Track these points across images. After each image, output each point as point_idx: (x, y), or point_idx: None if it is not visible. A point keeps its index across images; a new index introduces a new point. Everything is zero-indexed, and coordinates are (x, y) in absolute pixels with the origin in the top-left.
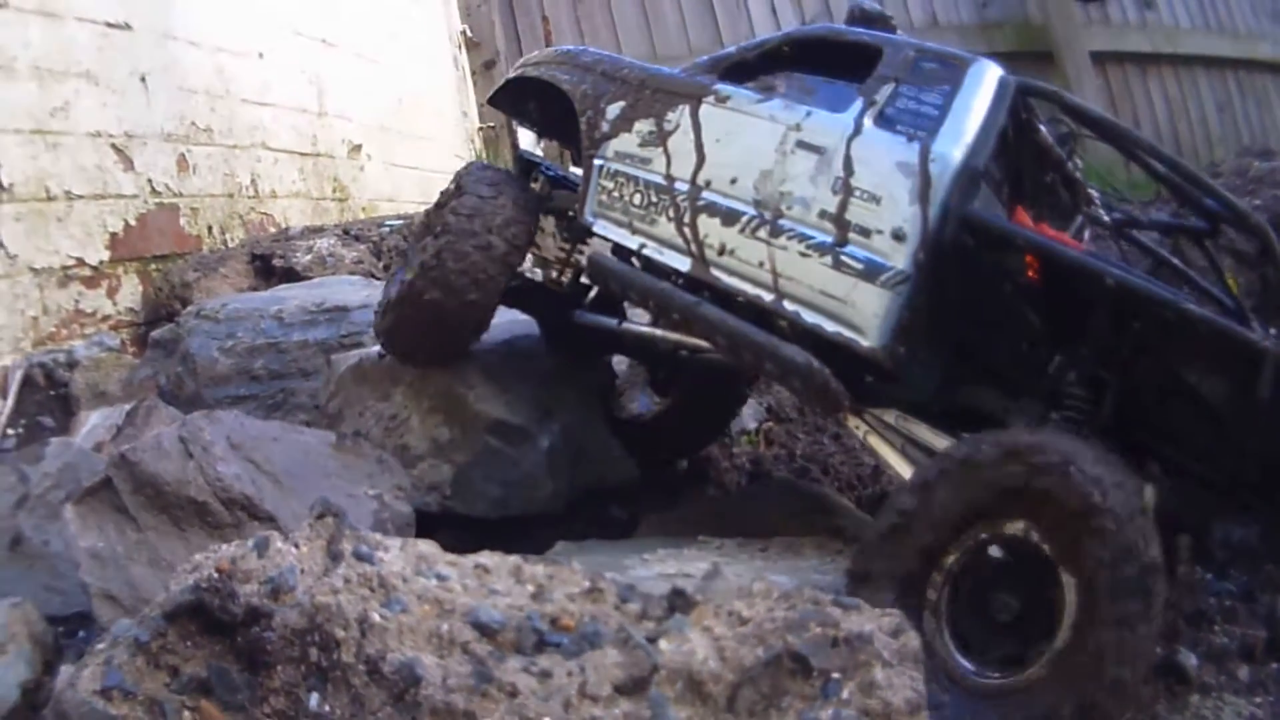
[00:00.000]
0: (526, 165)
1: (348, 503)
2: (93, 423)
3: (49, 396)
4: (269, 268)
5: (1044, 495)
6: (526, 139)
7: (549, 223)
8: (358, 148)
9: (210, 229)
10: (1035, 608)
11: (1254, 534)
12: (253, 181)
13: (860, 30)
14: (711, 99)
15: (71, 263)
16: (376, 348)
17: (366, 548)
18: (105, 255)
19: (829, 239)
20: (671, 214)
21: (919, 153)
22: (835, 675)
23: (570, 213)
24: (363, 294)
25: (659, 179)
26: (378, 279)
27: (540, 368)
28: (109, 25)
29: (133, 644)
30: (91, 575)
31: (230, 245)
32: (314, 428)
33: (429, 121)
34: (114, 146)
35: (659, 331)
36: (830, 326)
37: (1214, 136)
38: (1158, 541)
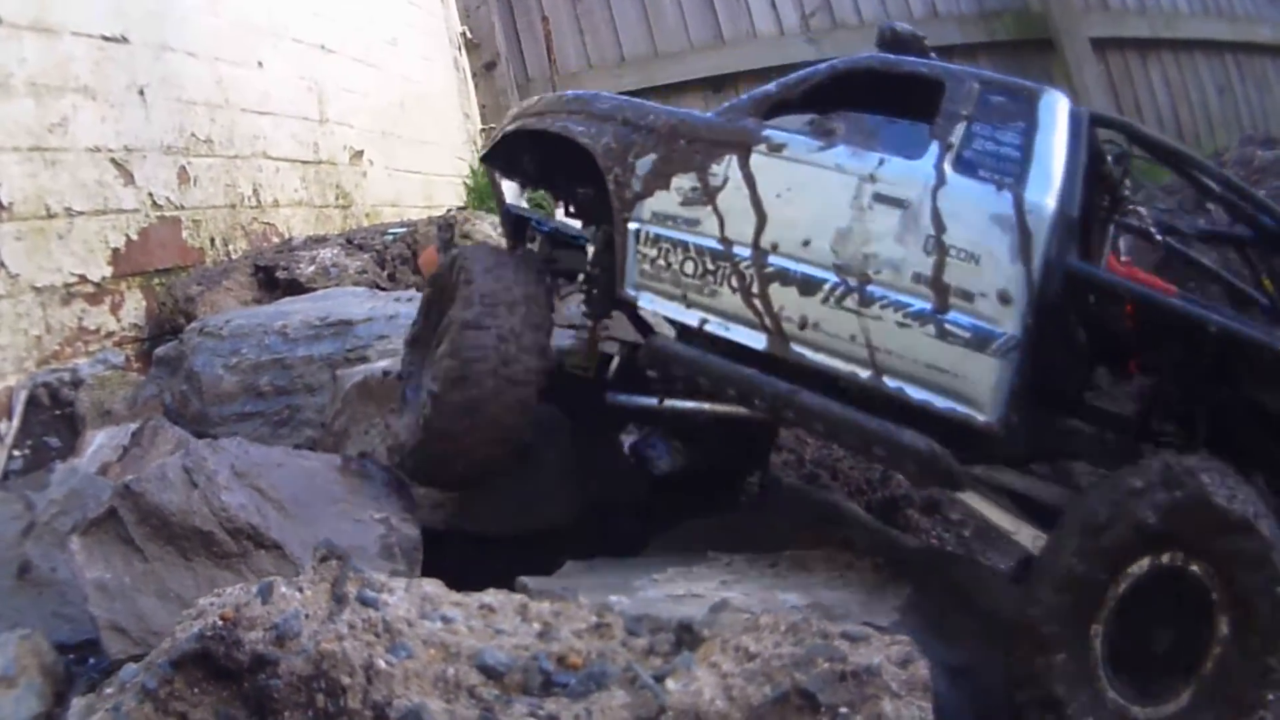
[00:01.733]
0: (517, 223)
1: (354, 528)
2: (98, 442)
3: (54, 416)
4: (272, 279)
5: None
6: (509, 190)
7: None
8: (359, 154)
9: (213, 241)
10: (1190, 640)
11: None
12: (254, 191)
13: (913, 60)
14: (763, 148)
15: (74, 280)
16: (381, 364)
17: (371, 591)
18: (108, 271)
19: (928, 306)
20: (735, 283)
21: (1013, 204)
22: (843, 710)
23: (580, 275)
24: (367, 306)
25: (713, 243)
26: (382, 289)
27: None
28: (105, 39)
29: (140, 691)
30: (99, 607)
31: (233, 257)
32: (320, 444)
33: (431, 125)
34: (113, 161)
35: (707, 405)
36: (941, 403)
37: (1215, 120)
38: None
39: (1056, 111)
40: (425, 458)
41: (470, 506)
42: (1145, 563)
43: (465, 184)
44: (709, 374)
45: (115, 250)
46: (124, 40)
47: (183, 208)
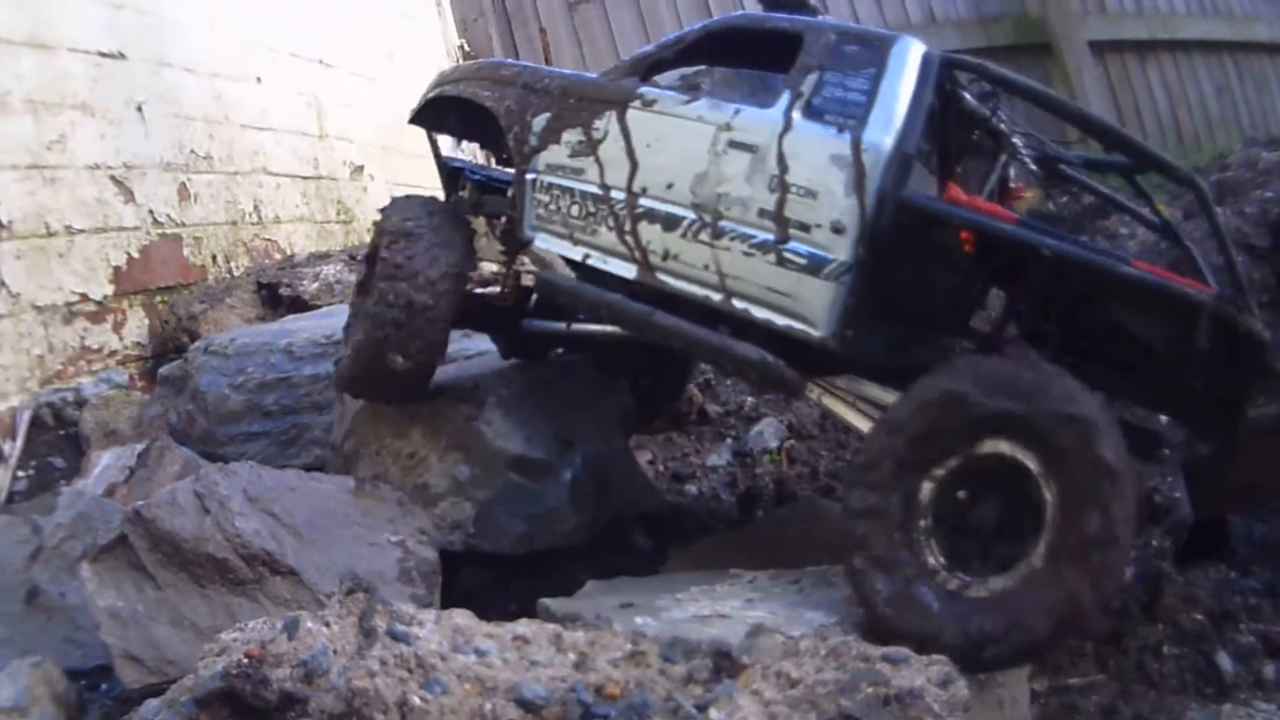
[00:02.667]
0: (451, 172)
1: (371, 552)
2: (104, 463)
3: (59, 436)
4: (276, 297)
5: (1016, 413)
6: (446, 144)
7: (480, 223)
8: (360, 169)
9: (214, 258)
10: (1017, 520)
11: (1276, 529)
12: (255, 208)
13: (778, 15)
14: (638, 103)
15: (75, 299)
16: None
17: (401, 625)
18: (109, 290)
19: (771, 237)
20: (611, 223)
21: (851, 144)
22: None
23: (504, 216)
24: None
25: (595, 189)
26: None
27: (558, 399)
28: (102, 55)
29: None
30: (112, 636)
31: (235, 274)
32: (329, 465)
33: None
34: (113, 178)
35: (609, 328)
36: (781, 321)
37: (1214, 121)
38: (1128, 459)
39: (907, 57)
40: (355, 374)
41: (486, 527)
42: (969, 448)
43: None
44: (585, 300)
45: (117, 268)
46: (121, 56)
47: (184, 225)
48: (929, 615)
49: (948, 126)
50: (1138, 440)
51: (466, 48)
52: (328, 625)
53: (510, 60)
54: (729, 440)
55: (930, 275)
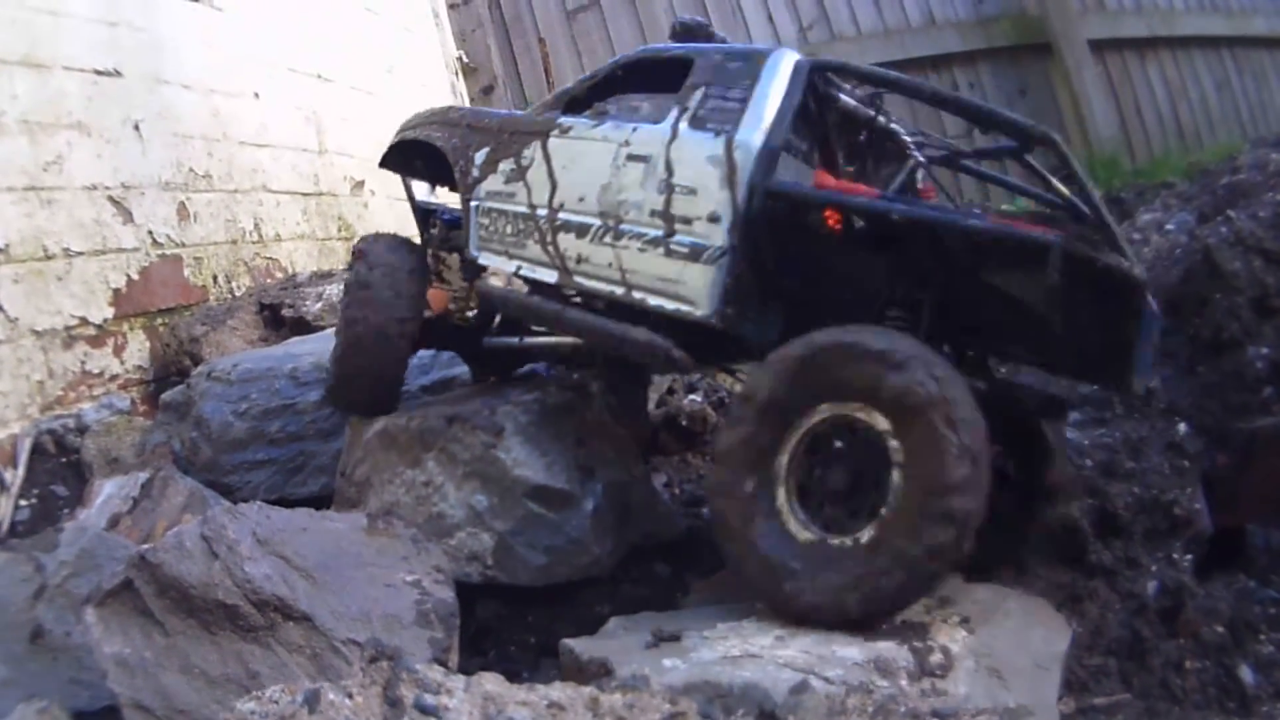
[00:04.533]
0: (424, 213)
1: (386, 594)
2: (107, 492)
3: (60, 464)
4: (278, 318)
5: (857, 375)
6: (422, 189)
7: (453, 259)
8: (360, 184)
9: (215, 278)
10: (867, 480)
11: None
12: (256, 226)
13: (675, 46)
14: (556, 131)
15: (75, 322)
16: (401, 408)
17: (429, 695)
18: (109, 313)
19: (660, 232)
20: (537, 236)
21: (724, 144)
22: None
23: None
24: None
25: (524, 208)
26: None
27: (577, 425)
28: (98, 73)
29: None
30: (120, 684)
31: (237, 294)
32: (337, 494)
33: None
34: (111, 199)
35: (553, 339)
36: (670, 305)
37: (1215, 117)
38: (982, 422)
39: (779, 66)
40: (334, 389)
41: (505, 559)
42: (818, 411)
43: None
44: (513, 304)
45: (116, 291)
46: (117, 74)
47: (184, 245)
48: (794, 575)
49: (828, 126)
50: (1038, 404)
51: (465, 59)
52: (350, 697)
53: (459, 106)
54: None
55: (809, 256)
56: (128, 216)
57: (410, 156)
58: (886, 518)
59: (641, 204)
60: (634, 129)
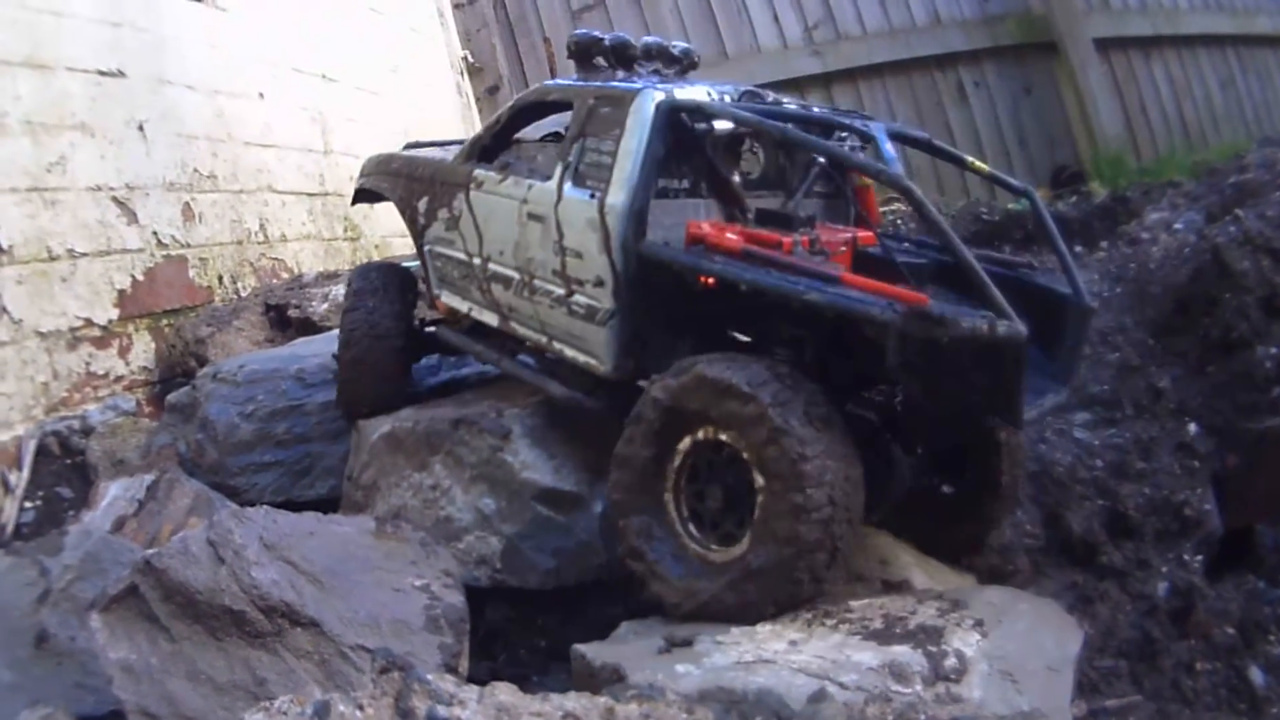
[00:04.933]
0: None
1: (395, 599)
2: (112, 494)
3: (65, 466)
4: (284, 318)
5: (712, 403)
6: None
7: None
8: None
9: (221, 279)
10: (743, 499)
11: None
12: (261, 226)
13: (558, 84)
14: (473, 184)
15: (79, 324)
16: (405, 411)
17: (442, 707)
18: (114, 314)
19: (562, 291)
20: (476, 283)
21: (598, 208)
22: None
23: None
24: None
25: (462, 256)
26: None
27: (586, 429)
28: (101, 74)
29: None
30: (125, 691)
31: (243, 295)
32: (344, 497)
33: None
34: (115, 199)
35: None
36: (581, 358)
37: (1219, 115)
38: (835, 447)
39: (641, 113)
40: (340, 398)
41: (513, 562)
42: (691, 438)
43: None
44: (466, 348)
45: (121, 291)
46: (121, 75)
47: (189, 245)
48: (677, 584)
49: (713, 157)
50: None
51: (470, 59)
52: (361, 709)
53: (399, 154)
54: None
55: (692, 306)
56: (132, 217)
57: (373, 198)
58: (754, 534)
59: (545, 263)
60: (530, 186)
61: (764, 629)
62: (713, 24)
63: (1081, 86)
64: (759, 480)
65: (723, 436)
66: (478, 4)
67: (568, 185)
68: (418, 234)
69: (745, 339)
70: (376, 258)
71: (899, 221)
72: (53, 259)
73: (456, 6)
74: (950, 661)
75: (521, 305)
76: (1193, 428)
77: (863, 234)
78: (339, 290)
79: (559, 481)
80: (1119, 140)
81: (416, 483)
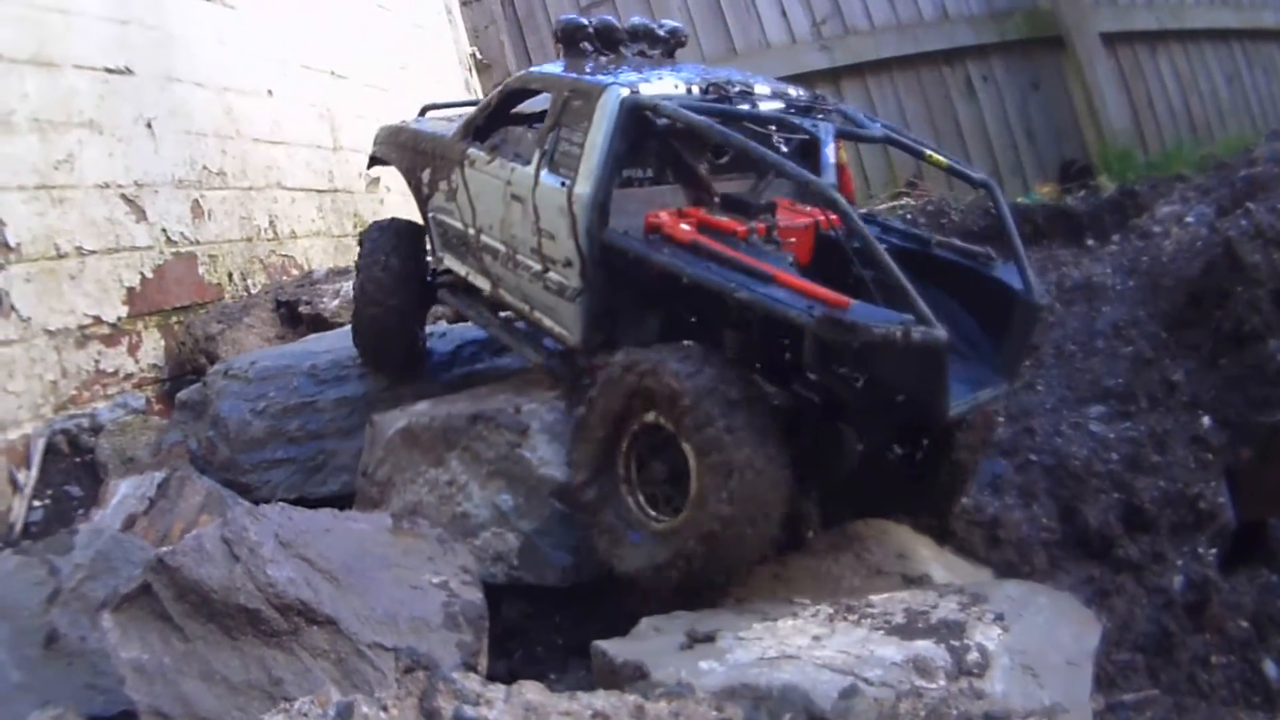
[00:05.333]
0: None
1: (413, 596)
2: (122, 492)
3: (74, 464)
4: (295, 315)
5: (651, 389)
6: None
7: None
8: (376, 181)
9: (230, 276)
10: (679, 474)
11: None
12: (271, 223)
13: (539, 72)
14: (467, 162)
15: (88, 321)
16: (421, 405)
17: (469, 707)
18: (123, 311)
19: (539, 268)
20: (471, 253)
21: (566, 196)
22: None
23: None
24: None
25: (460, 226)
26: None
27: None
28: (109, 71)
29: None
30: (138, 691)
31: (253, 292)
32: (359, 494)
33: None
34: (124, 197)
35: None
36: (558, 329)
37: (1225, 110)
38: (743, 413)
39: (606, 107)
40: (360, 354)
41: (530, 559)
42: (638, 420)
43: None
44: (466, 311)
45: (130, 289)
46: (128, 72)
47: (198, 243)
48: (631, 552)
49: (679, 146)
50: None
51: (479, 55)
52: (385, 710)
53: (406, 126)
54: None
55: (652, 288)
56: (141, 214)
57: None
58: (688, 510)
59: (525, 241)
60: (513, 169)
61: (785, 624)
62: (721, 20)
63: (1089, 81)
64: (691, 460)
65: (661, 420)
66: (485, 1)
67: (544, 171)
68: (422, 201)
69: (698, 322)
70: None
71: (907, 216)
72: (61, 256)
73: (464, 3)
74: (973, 656)
75: (507, 276)
76: (1206, 421)
77: (826, 217)
78: (349, 286)
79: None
80: (1126, 134)
81: (433, 479)
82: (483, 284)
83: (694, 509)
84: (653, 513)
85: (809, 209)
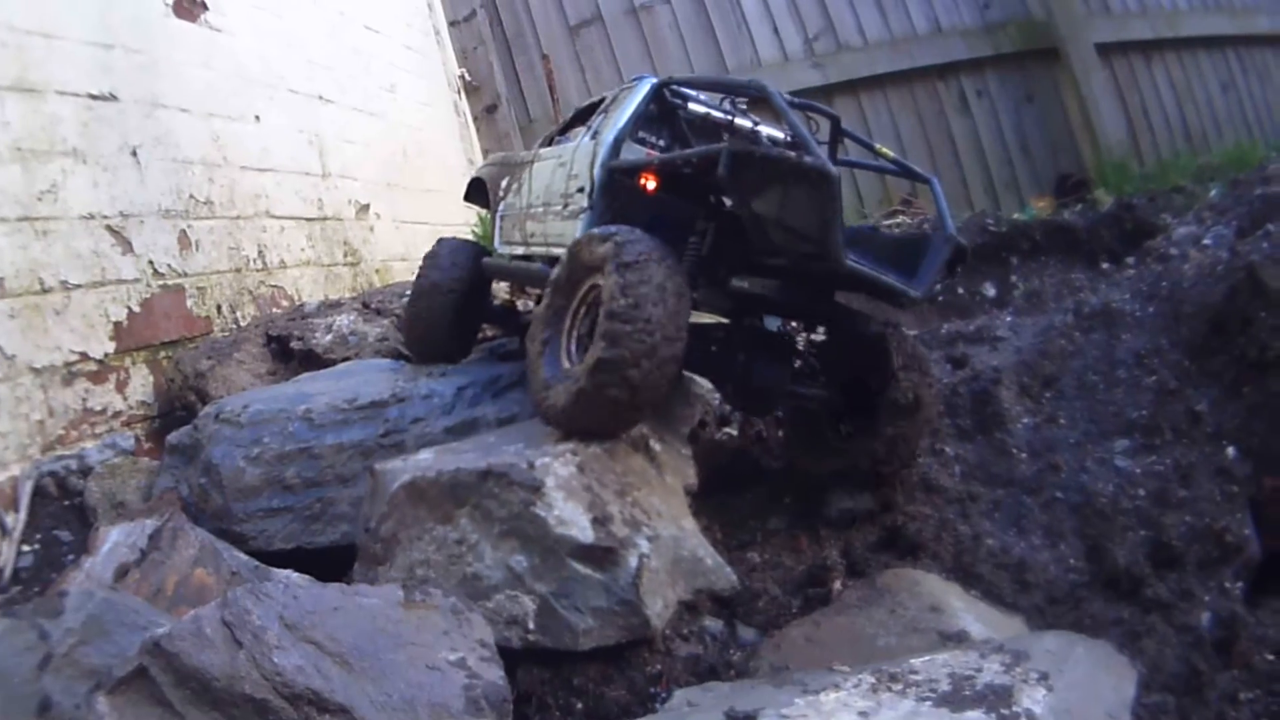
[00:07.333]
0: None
1: (430, 678)
2: (113, 540)
3: (63, 508)
4: (287, 350)
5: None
6: None
7: None
8: (365, 207)
9: (219, 308)
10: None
11: None
12: (260, 253)
13: (609, 94)
14: (536, 159)
15: (75, 358)
16: (424, 455)
17: None
18: (110, 347)
19: (561, 206)
20: (519, 226)
21: (594, 145)
22: None
23: None
24: (395, 384)
25: (519, 208)
26: (407, 358)
27: (621, 477)
28: (93, 97)
29: None
30: None
31: (242, 325)
32: (360, 550)
33: (435, 173)
34: (109, 228)
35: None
36: (559, 251)
37: (1220, 118)
38: (650, 287)
39: (639, 87)
40: (406, 342)
41: (548, 623)
42: (588, 284)
43: (473, 231)
44: (498, 270)
45: (117, 324)
46: (113, 98)
47: (186, 274)
48: (552, 392)
49: (689, 128)
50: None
51: (468, 78)
52: None
53: (507, 153)
54: (785, 500)
55: (641, 205)
56: (127, 246)
57: (481, 193)
58: (590, 352)
59: (559, 191)
60: (564, 147)
61: (828, 698)
62: (712, 38)
63: (1084, 93)
64: (600, 305)
65: (599, 281)
66: (474, 21)
67: (585, 139)
68: (494, 204)
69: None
70: (377, 283)
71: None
72: (45, 291)
73: (452, 24)
74: None
75: (539, 228)
76: (1231, 451)
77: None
78: (342, 321)
79: (596, 536)
80: (1122, 146)
81: (440, 536)
82: (520, 250)
83: (590, 353)
84: (573, 355)
85: None
